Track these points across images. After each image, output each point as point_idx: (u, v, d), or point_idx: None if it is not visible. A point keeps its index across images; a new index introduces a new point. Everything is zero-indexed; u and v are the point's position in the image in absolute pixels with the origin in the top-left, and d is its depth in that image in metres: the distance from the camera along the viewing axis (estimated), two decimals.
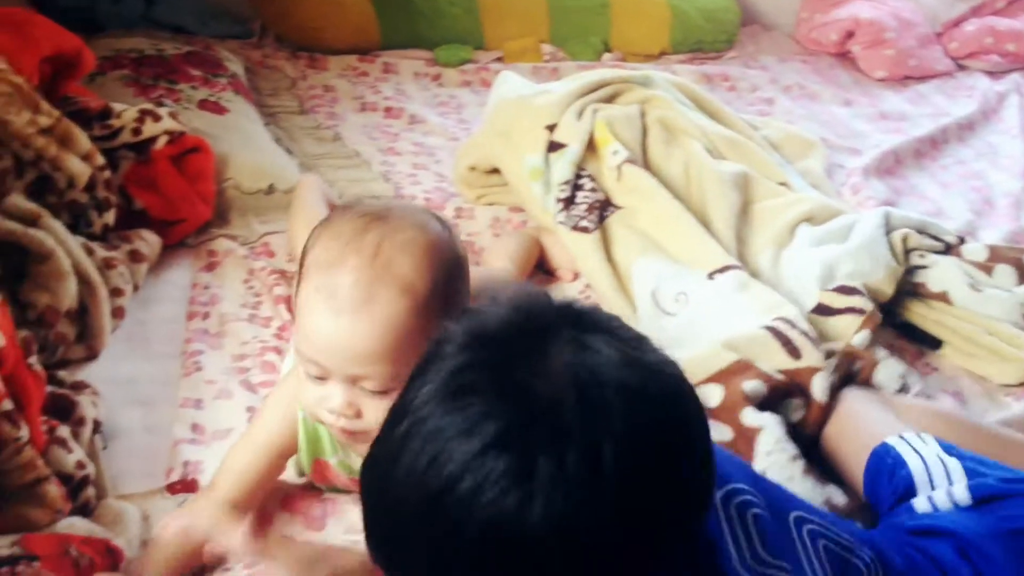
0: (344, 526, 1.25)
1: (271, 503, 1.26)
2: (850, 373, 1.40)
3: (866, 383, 1.41)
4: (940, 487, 1.13)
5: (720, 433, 1.28)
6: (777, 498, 0.93)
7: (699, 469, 0.76)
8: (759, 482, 0.93)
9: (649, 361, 0.76)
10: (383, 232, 1.09)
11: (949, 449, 1.19)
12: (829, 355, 1.40)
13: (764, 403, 1.32)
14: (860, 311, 1.51)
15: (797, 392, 1.35)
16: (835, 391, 1.35)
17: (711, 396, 1.33)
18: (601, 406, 0.71)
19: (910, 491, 1.15)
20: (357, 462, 1.22)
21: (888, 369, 1.44)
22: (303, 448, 1.24)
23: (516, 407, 0.72)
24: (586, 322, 0.76)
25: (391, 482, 0.74)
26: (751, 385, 1.32)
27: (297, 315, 1.12)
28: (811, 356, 1.38)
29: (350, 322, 1.05)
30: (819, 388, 1.35)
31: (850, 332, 1.48)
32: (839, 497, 1.24)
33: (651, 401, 0.73)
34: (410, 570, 0.75)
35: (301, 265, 1.14)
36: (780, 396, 1.34)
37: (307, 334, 1.09)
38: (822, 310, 1.54)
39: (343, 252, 1.08)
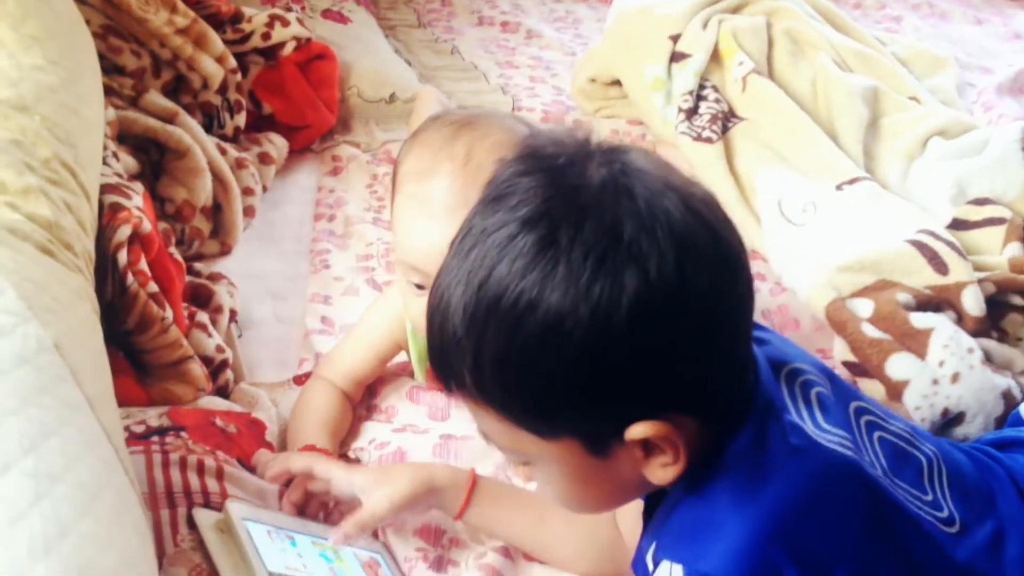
0: (466, 416, 1.27)
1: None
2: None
3: None
4: None
5: (881, 334, 1.26)
6: (839, 387, 0.93)
7: (730, 274, 0.77)
8: (824, 370, 0.93)
9: (684, 180, 0.79)
10: (472, 138, 1.10)
11: None
12: (978, 269, 1.36)
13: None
14: (1000, 220, 1.46)
15: (947, 307, 1.32)
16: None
17: (861, 308, 1.31)
18: (627, 190, 0.75)
19: None
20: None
21: None
22: (415, 361, 1.27)
23: (549, 194, 0.75)
24: (624, 149, 0.80)
25: (444, 290, 0.77)
26: (903, 297, 1.29)
27: (394, 225, 1.14)
28: (960, 270, 1.34)
29: (447, 225, 1.05)
30: (972, 302, 1.31)
31: (993, 245, 1.44)
32: (1017, 391, 1.22)
33: (682, 197, 0.76)
34: (465, 378, 0.77)
35: (394, 177, 1.15)
36: (929, 309, 1.30)
37: (405, 242, 1.11)
38: (959, 225, 1.49)
39: (435, 160, 1.09)
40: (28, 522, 0.70)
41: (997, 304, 1.38)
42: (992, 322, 1.35)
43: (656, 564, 0.84)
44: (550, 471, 0.82)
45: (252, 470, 1.11)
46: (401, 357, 1.31)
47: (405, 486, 1.04)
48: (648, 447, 0.78)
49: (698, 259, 0.75)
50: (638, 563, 0.89)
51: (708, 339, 0.77)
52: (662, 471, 0.80)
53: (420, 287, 1.12)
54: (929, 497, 0.90)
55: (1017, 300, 1.40)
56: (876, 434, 0.91)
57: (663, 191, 0.76)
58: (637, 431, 0.76)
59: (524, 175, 0.78)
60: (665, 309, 0.74)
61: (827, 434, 0.84)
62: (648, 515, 0.90)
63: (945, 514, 0.89)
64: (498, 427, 0.80)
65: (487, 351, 0.75)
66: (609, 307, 0.72)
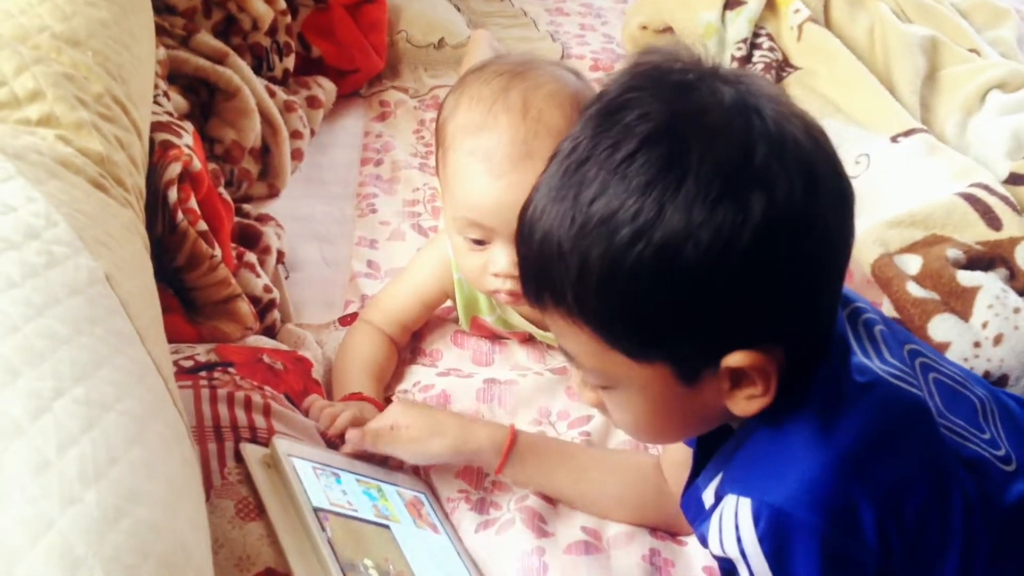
0: (511, 363, 1.28)
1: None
2: None
3: None
4: None
5: (926, 293, 1.24)
6: (894, 329, 0.92)
7: (844, 207, 0.76)
8: (879, 312, 0.92)
9: (799, 107, 0.78)
10: (526, 87, 1.08)
11: None
12: None
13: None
14: None
15: (999, 263, 1.29)
16: None
17: (909, 264, 1.29)
18: (757, 111, 0.73)
19: None
20: (515, 318, 1.25)
21: None
22: (460, 309, 1.27)
23: (674, 110, 0.73)
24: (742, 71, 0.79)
25: (545, 203, 0.76)
26: (953, 253, 1.27)
27: (448, 183, 1.12)
28: (1014, 225, 1.30)
29: (514, 180, 1.04)
30: None
31: None
32: None
33: (804, 125, 0.75)
34: (565, 294, 0.76)
35: (440, 131, 1.13)
36: (982, 267, 1.28)
37: (467, 199, 1.09)
38: (1016, 179, 1.45)
39: (491, 112, 1.07)
40: (79, 448, 0.70)
41: None
42: None
43: (719, 499, 0.83)
44: (629, 396, 0.81)
45: (299, 406, 1.12)
46: (447, 302, 1.31)
47: (439, 447, 1.04)
48: (737, 378, 0.77)
49: (820, 188, 0.74)
50: (690, 501, 0.89)
51: (820, 271, 0.76)
52: (746, 403, 0.78)
53: (479, 242, 1.11)
54: (987, 435, 0.89)
55: None
56: (931, 375, 0.90)
57: (788, 116, 0.75)
58: (735, 359, 0.75)
59: (642, 90, 0.76)
60: (787, 236, 0.72)
61: (892, 369, 0.84)
62: (703, 451, 0.89)
63: (1003, 452, 0.88)
64: (589, 347, 0.78)
65: (594, 268, 0.73)
66: (732, 231, 0.71)
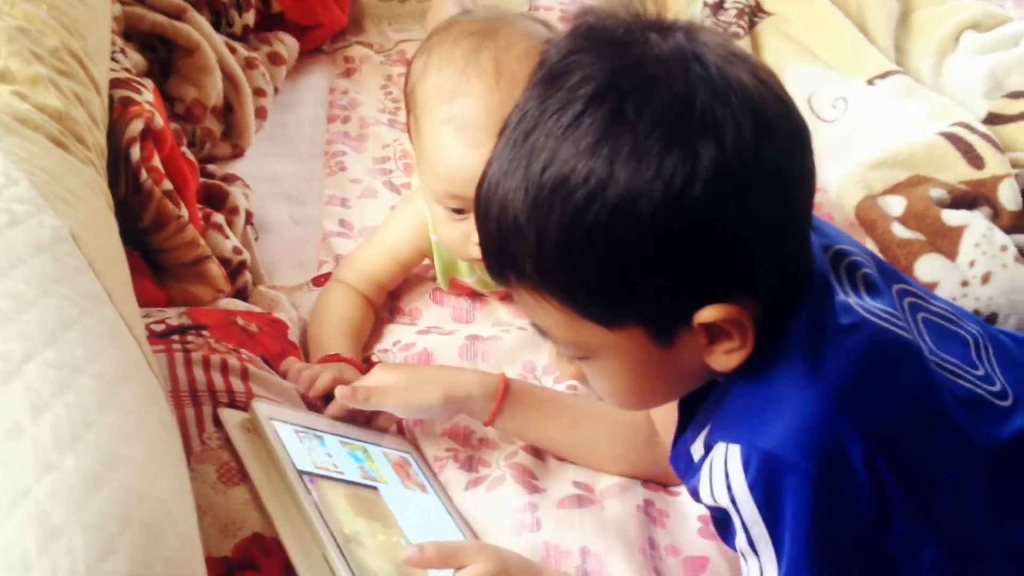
0: (492, 319, 1.25)
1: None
2: None
3: None
4: None
5: (911, 234, 1.23)
6: (884, 269, 0.90)
7: (799, 146, 0.75)
8: (867, 252, 0.91)
9: (745, 51, 0.76)
10: (497, 48, 1.04)
11: None
12: (1015, 165, 1.31)
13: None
14: None
15: (983, 202, 1.27)
16: None
17: (893, 206, 1.27)
18: (697, 58, 0.72)
19: None
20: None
21: None
22: (439, 270, 1.24)
23: (614, 68, 0.72)
24: (683, 22, 0.77)
25: (498, 177, 0.74)
26: (937, 193, 1.25)
27: (424, 152, 1.08)
28: (996, 163, 1.29)
29: (491, 148, 1.01)
30: (1009, 195, 1.26)
31: None
32: None
33: (750, 67, 0.73)
34: (526, 267, 0.74)
35: (409, 94, 1.09)
36: (966, 207, 1.26)
37: (443, 169, 1.05)
38: (994, 119, 1.43)
39: (462, 78, 1.03)
40: (53, 412, 0.67)
41: None
42: None
43: (708, 449, 0.81)
44: (608, 365, 0.79)
45: (276, 369, 1.09)
46: (425, 260, 1.28)
47: (431, 397, 1.01)
48: (712, 333, 0.75)
49: (772, 129, 0.72)
50: (679, 455, 0.87)
51: (780, 214, 0.74)
52: (725, 357, 0.77)
53: (459, 211, 1.07)
54: (980, 372, 0.88)
55: None
56: (920, 315, 0.89)
57: (731, 59, 0.73)
58: (707, 314, 0.73)
59: (582, 52, 0.74)
60: (741, 182, 0.70)
61: (878, 311, 0.82)
62: (687, 405, 0.87)
63: (998, 388, 0.87)
64: (558, 319, 0.76)
65: (552, 236, 0.72)
66: (684, 181, 0.69)
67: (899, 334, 0.82)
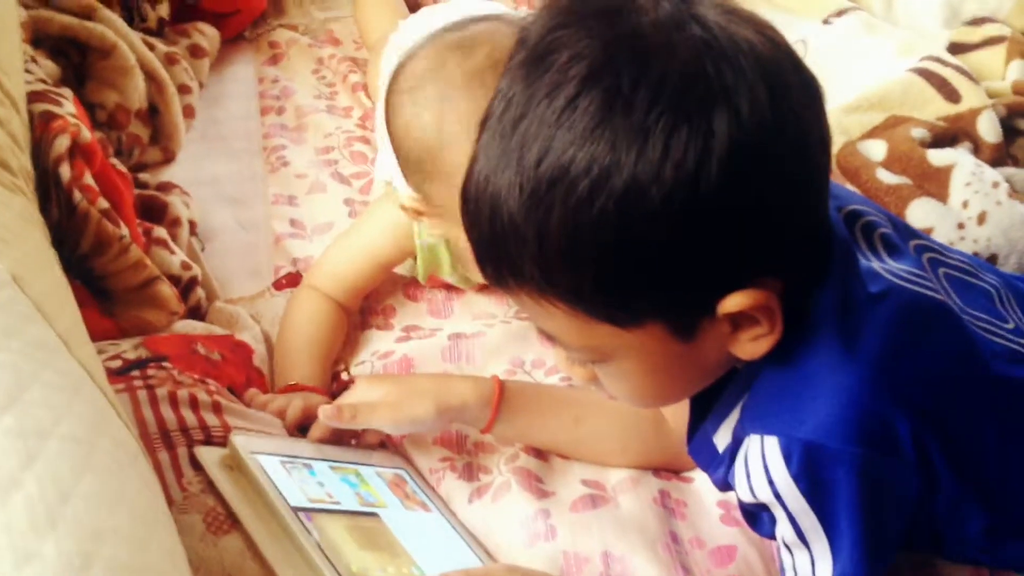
0: (472, 312, 1.18)
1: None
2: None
3: None
4: None
5: (898, 179, 1.18)
6: (898, 225, 0.86)
7: (816, 106, 0.68)
8: (880, 210, 0.86)
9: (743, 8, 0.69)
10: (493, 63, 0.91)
11: None
12: (990, 95, 1.27)
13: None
14: (1000, 39, 1.36)
15: (963, 137, 1.23)
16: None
17: (874, 150, 1.21)
18: (697, 19, 0.64)
19: None
20: (477, 276, 1.15)
21: None
22: (420, 268, 1.15)
23: (607, 41, 0.64)
24: None
25: (486, 174, 0.66)
26: (918, 132, 1.20)
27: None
28: (972, 96, 1.25)
29: None
30: (988, 127, 1.22)
31: (995, 67, 1.35)
32: None
33: (755, 25, 0.66)
34: (526, 271, 0.67)
35: (423, 163, 0.96)
36: (947, 144, 1.22)
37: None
38: (957, 49, 1.39)
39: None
40: (24, 490, 0.59)
41: (1006, 130, 1.30)
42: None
43: (737, 441, 0.75)
44: (625, 367, 0.72)
45: (242, 400, 1.00)
46: None
47: (423, 409, 0.93)
48: (736, 321, 0.69)
49: (788, 90, 0.65)
50: (701, 446, 0.81)
51: (804, 183, 0.68)
52: (752, 345, 0.70)
53: None
54: (1010, 325, 0.83)
55: None
56: (941, 270, 0.84)
57: (733, 17, 0.66)
58: (733, 303, 0.66)
59: (567, 28, 0.66)
60: (761, 153, 0.63)
61: (904, 272, 0.77)
62: (702, 396, 0.81)
63: None
64: (567, 324, 0.69)
65: (554, 234, 0.64)
66: (698, 160, 0.61)
67: (930, 296, 0.77)
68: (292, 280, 1.21)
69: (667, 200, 0.62)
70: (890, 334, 0.73)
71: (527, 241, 0.65)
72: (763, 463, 0.72)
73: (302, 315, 1.11)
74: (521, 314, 1.16)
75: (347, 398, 0.95)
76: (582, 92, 0.63)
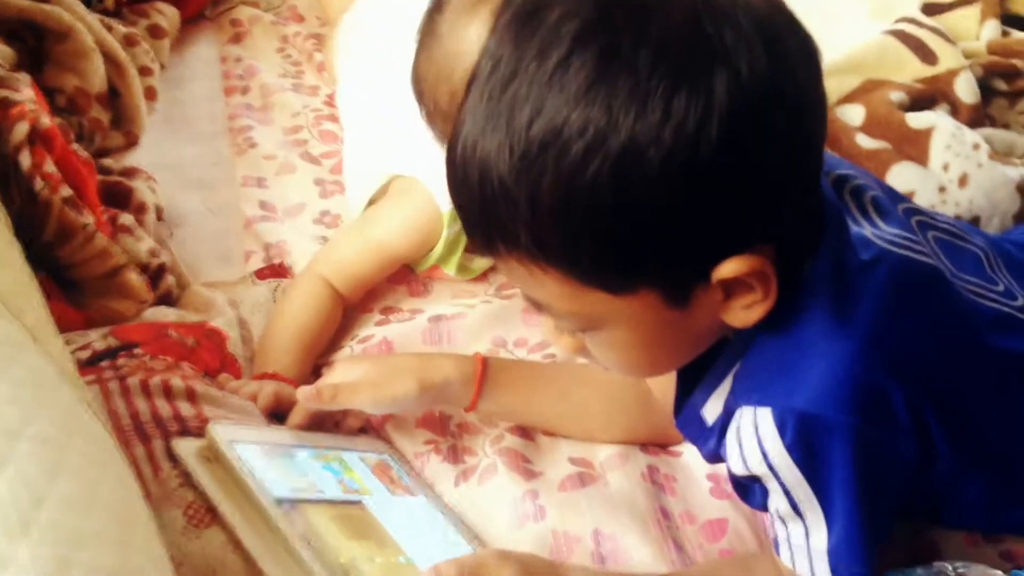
0: (451, 290, 1.16)
1: None
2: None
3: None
4: None
5: (877, 144, 1.16)
6: (886, 189, 0.85)
7: (814, 67, 0.67)
8: (866, 173, 0.85)
9: None
10: None
11: None
12: (967, 56, 1.26)
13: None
14: None
15: (940, 99, 1.22)
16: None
17: (852, 115, 1.20)
18: None
19: None
20: (478, 262, 1.15)
21: None
22: (430, 260, 1.14)
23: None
24: None
25: (474, 137, 0.64)
26: (896, 96, 1.18)
27: None
28: (949, 56, 1.23)
29: None
30: (966, 89, 1.21)
31: (970, 26, 1.33)
32: None
33: None
34: (519, 236, 0.65)
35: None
36: (923, 106, 1.20)
37: None
38: (930, 10, 1.37)
39: None
40: None
41: (982, 90, 1.29)
42: None
43: (728, 413, 0.74)
44: (615, 335, 0.70)
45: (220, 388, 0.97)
46: None
47: (405, 388, 0.91)
48: (729, 288, 0.67)
49: (787, 52, 0.64)
50: (689, 419, 0.80)
51: (801, 147, 0.67)
52: (745, 312, 0.69)
53: None
54: (1000, 287, 0.83)
55: (1001, 85, 1.32)
56: (930, 233, 0.83)
57: None
58: (728, 269, 0.65)
59: None
60: (761, 116, 0.62)
61: (895, 237, 0.76)
62: (690, 368, 0.79)
63: (1020, 302, 0.82)
64: (559, 291, 0.67)
65: (546, 198, 0.62)
66: (698, 122, 0.60)
67: (922, 261, 0.77)
68: (276, 271, 1.17)
69: (666, 162, 0.60)
70: (883, 302, 0.72)
71: (518, 205, 0.63)
72: (756, 435, 0.71)
73: (298, 302, 1.08)
74: (502, 293, 1.14)
75: (327, 379, 0.93)
76: (575, 51, 0.61)
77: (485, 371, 0.93)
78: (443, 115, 0.90)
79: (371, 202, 1.18)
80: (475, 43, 0.87)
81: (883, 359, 0.70)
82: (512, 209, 0.64)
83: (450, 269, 1.14)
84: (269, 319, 1.09)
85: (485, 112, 0.64)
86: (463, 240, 1.12)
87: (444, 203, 1.09)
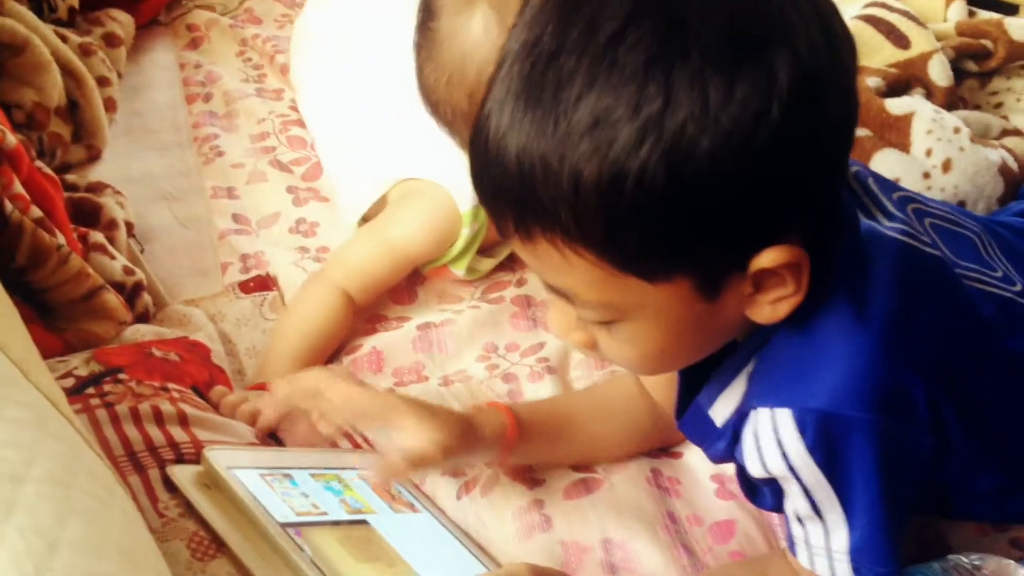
0: (437, 293, 1.14)
1: None
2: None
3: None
4: None
5: (859, 132, 1.14)
6: (879, 178, 0.84)
7: (853, 55, 0.66)
8: (858, 163, 0.85)
9: None
10: None
11: None
12: (939, 38, 1.26)
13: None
14: None
15: (915, 83, 1.21)
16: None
17: None
18: None
19: None
20: (485, 263, 1.14)
21: None
22: (448, 255, 1.11)
23: None
24: None
25: (514, 114, 0.61)
26: (873, 82, 1.18)
27: None
28: (922, 40, 1.22)
29: None
30: (939, 72, 1.21)
31: (936, 8, 1.34)
32: (1012, 161, 1.12)
33: None
34: (559, 214, 0.62)
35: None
36: (899, 91, 1.20)
37: None
38: None
39: None
40: (7, 543, 0.53)
41: (954, 72, 1.29)
42: None
43: (742, 416, 0.73)
44: (638, 327, 0.68)
45: (209, 399, 0.95)
46: None
47: (449, 435, 0.84)
48: (760, 281, 0.65)
49: (836, 32, 0.63)
50: (694, 420, 0.78)
51: (848, 131, 0.66)
52: (771, 308, 0.67)
53: None
54: (998, 273, 0.82)
55: (971, 66, 1.32)
56: (927, 220, 0.82)
57: None
58: (767, 259, 0.63)
59: None
60: (818, 97, 0.61)
61: (900, 225, 0.75)
62: (696, 369, 0.77)
63: (1019, 287, 0.82)
64: (591, 276, 0.64)
65: (593, 183, 0.59)
66: (759, 106, 0.58)
67: (926, 251, 0.76)
68: (260, 284, 1.14)
69: (723, 147, 0.58)
70: (895, 296, 0.71)
71: (562, 186, 0.60)
72: (776, 437, 0.70)
73: (306, 311, 1.06)
74: (488, 297, 1.12)
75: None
76: (629, 26, 0.59)
77: (516, 427, 0.89)
78: (464, 118, 0.87)
79: (371, 207, 1.15)
80: (481, 38, 0.85)
81: (901, 353, 0.70)
82: (555, 189, 0.61)
83: (460, 269, 1.12)
84: (276, 325, 1.07)
85: (525, 88, 0.61)
86: (478, 240, 1.10)
87: (463, 202, 1.07)
